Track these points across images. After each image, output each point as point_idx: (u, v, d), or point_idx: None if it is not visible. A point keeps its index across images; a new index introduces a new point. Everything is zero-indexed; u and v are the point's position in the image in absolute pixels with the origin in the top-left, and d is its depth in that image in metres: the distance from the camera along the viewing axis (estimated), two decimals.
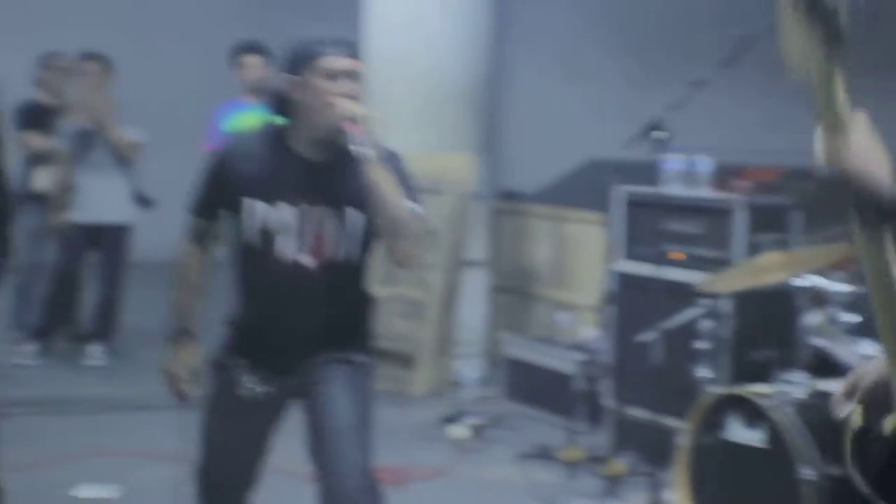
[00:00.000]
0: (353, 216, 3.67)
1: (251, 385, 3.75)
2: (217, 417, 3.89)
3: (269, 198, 3.65)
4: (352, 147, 3.46)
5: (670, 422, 5.82)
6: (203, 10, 13.84)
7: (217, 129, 8.11)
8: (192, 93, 12.85)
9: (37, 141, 8.25)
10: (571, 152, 10.17)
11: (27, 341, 8.40)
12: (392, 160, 3.61)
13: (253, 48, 8.07)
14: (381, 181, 3.49)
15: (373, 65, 8.25)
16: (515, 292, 8.63)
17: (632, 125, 6.95)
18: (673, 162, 6.19)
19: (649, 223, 6.33)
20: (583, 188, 8.74)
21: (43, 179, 8.35)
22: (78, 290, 8.68)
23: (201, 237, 3.89)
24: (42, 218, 8.32)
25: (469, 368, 7.83)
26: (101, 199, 8.23)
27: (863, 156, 2.30)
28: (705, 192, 6.11)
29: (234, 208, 3.70)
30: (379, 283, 7.82)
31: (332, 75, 3.56)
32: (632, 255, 6.41)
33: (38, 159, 8.28)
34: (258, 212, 3.65)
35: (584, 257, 7.86)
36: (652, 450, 5.88)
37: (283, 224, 3.65)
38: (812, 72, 2.30)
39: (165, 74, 13.50)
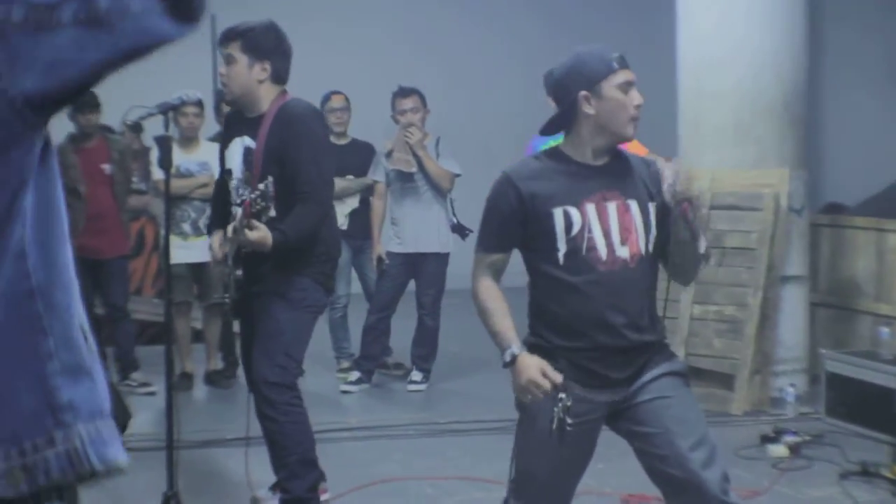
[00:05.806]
0: (648, 208, 3.81)
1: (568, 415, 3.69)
2: (535, 443, 3.86)
3: (574, 202, 3.74)
4: (684, 224, 3.68)
5: None
6: (512, 37, 13.99)
7: None
8: (506, 122, 13.08)
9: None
10: (894, 162, 9.84)
11: (351, 369, 8.70)
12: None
13: None
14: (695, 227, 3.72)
15: (685, 78, 8.19)
16: (836, 307, 8.36)
17: None
18: None
19: None
20: None
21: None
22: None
23: (498, 272, 3.92)
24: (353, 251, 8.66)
25: (789, 386, 7.62)
26: (421, 229, 8.40)
27: None
28: None
29: (538, 229, 3.76)
30: (694, 301, 7.76)
31: (626, 88, 3.72)
32: None
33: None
34: (569, 218, 3.73)
35: None
36: None
37: (590, 224, 3.73)
38: None
39: (479, 104, 13.72)
